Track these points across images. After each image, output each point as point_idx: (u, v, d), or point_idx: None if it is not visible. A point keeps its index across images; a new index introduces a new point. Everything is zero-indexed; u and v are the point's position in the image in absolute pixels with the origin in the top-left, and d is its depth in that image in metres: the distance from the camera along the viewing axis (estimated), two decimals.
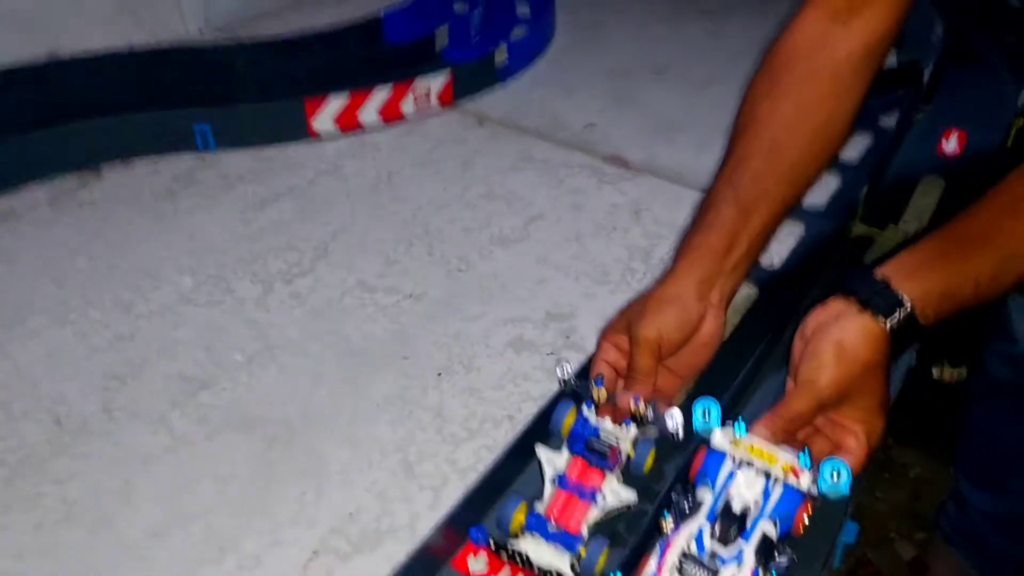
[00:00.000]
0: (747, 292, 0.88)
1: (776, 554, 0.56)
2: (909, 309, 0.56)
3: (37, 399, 0.77)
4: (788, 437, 0.58)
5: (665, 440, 0.64)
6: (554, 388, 0.72)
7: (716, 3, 1.84)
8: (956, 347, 1.54)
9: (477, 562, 0.61)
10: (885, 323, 0.56)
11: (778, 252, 0.97)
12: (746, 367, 0.76)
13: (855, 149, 1.19)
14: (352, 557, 0.63)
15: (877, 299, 0.56)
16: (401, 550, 0.62)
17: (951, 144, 1.13)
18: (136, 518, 0.66)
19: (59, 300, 0.89)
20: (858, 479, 0.57)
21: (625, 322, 0.65)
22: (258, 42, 1.41)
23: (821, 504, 0.58)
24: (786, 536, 0.57)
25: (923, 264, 0.58)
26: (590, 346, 0.82)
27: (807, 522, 0.58)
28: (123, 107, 1.15)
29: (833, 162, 1.13)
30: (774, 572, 0.56)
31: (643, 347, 0.63)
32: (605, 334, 0.67)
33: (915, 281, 0.57)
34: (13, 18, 1.31)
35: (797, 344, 0.60)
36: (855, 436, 0.59)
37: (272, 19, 1.68)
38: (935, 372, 1.60)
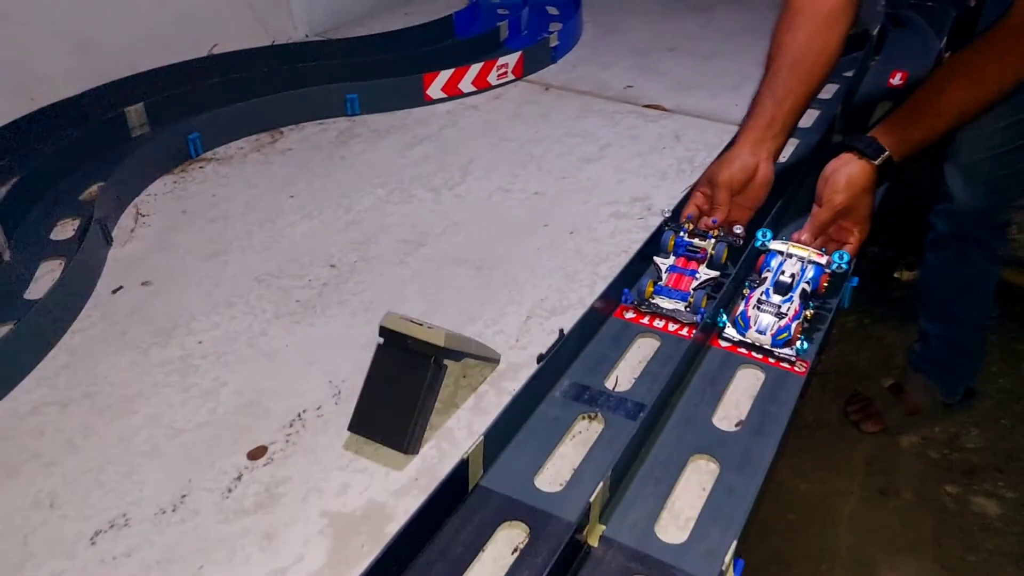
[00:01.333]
0: None
1: (810, 301, 0.98)
2: (887, 153, 0.98)
3: (314, 257, 1.16)
4: (814, 240, 1.00)
5: (732, 245, 1.05)
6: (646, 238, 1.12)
7: (704, 0, 2.28)
8: (912, 256, 2.01)
9: (628, 313, 1.01)
10: (874, 163, 0.97)
11: (784, 155, 1.39)
12: (773, 211, 1.18)
13: (829, 92, 1.63)
14: (550, 317, 1.03)
15: (869, 149, 0.98)
16: (579, 314, 1.01)
17: (897, 80, 1.57)
18: (412, 307, 1.05)
19: (298, 207, 1.29)
20: (854, 259, 0.99)
21: (707, 177, 1.06)
22: (361, 38, 1.82)
23: (834, 275, 1.00)
24: (815, 291, 0.99)
25: (893, 126, 1.00)
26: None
27: (826, 284, 1.00)
28: (291, 85, 1.55)
29: (816, 98, 1.57)
30: (812, 305, 0.98)
31: (721, 187, 1.04)
32: (693, 188, 1.08)
33: (889, 136, 0.99)
34: (177, 26, 1.71)
35: (820, 182, 1.01)
36: (853, 235, 1.01)
37: (355, 25, 2.10)
38: (897, 274, 2.06)
